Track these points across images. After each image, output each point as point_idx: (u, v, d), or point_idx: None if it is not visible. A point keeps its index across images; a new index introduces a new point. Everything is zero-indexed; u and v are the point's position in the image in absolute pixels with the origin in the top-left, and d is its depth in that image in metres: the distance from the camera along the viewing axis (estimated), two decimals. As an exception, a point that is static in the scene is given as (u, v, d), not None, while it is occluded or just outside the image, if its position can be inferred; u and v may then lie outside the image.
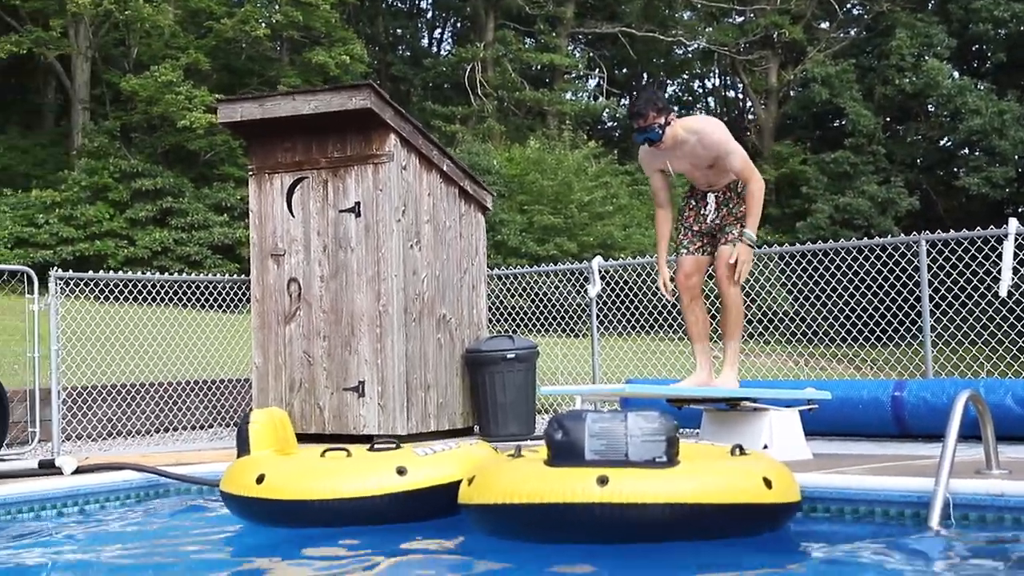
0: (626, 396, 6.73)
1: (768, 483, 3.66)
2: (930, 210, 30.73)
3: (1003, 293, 6.84)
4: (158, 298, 9.21)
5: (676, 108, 39.12)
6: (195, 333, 9.74)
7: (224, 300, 9.44)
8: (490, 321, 9.69)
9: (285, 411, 7.48)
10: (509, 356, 7.93)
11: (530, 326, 11.04)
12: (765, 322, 10.41)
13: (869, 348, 9.74)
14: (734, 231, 5.91)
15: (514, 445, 4.12)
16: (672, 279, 6.18)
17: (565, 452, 3.59)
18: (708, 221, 6.00)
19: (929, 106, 30.66)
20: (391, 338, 7.40)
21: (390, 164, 7.47)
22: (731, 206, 5.97)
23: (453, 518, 4.20)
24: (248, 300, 8.30)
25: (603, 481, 3.46)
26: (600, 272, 9.06)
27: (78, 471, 5.54)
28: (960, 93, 28.83)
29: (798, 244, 8.25)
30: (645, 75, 38.13)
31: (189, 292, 9.36)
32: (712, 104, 38.99)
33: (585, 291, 9.22)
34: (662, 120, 5.74)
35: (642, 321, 9.94)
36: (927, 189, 30.79)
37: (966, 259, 7.76)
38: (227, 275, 16.78)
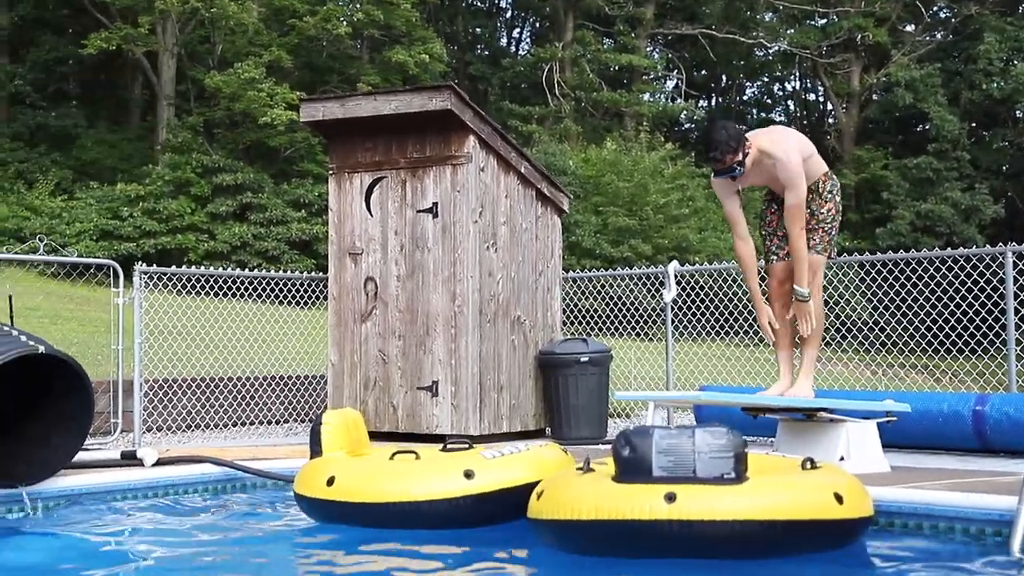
0: (700, 403, 6.69)
1: (839, 498, 3.61)
2: (1016, 218, 30.05)
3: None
4: (237, 292, 9.36)
5: (754, 112, 38.76)
6: (273, 329, 9.88)
7: (302, 296, 9.56)
8: (564, 323, 9.68)
9: (359, 410, 7.58)
10: (583, 359, 7.92)
11: (604, 329, 11.01)
12: (843, 331, 10.26)
13: (950, 360, 9.55)
14: (814, 238, 5.83)
15: (584, 456, 4.11)
16: (767, 300, 6.05)
17: (633, 468, 3.58)
18: None
19: (1017, 111, 30.02)
20: (466, 339, 7.44)
21: (468, 165, 7.50)
22: (813, 208, 5.87)
23: (522, 522, 4.20)
24: (325, 297, 8.39)
25: (671, 498, 3.44)
26: (676, 276, 9.00)
27: (159, 463, 5.66)
28: (1050, 99, 28.16)
29: (878, 253, 8.12)
30: (724, 77, 37.81)
31: (267, 287, 9.49)
32: (792, 107, 38.55)
33: (660, 295, 9.16)
34: (740, 157, 5.62)
35: (716, 327, 9.86)
36: (1013, 197, 30.12)
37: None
38: (304, 271, 17.00)
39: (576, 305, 10.99)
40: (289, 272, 10.79)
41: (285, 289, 9.53)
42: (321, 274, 9.44)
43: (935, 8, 33.60)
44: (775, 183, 5.83)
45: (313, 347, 10.27)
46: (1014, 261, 7.26)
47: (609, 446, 6.52)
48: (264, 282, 9.49)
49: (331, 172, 8.01)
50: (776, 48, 34.66)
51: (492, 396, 7.66)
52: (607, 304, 11.43)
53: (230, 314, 9.46)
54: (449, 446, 4.61)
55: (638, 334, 11.72)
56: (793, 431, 5.62)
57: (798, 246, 5.71)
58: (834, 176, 5.99)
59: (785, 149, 5.68)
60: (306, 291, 9.57)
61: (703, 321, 10.14)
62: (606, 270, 10.63)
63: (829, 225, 5.87)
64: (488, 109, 29.42)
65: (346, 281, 7.88)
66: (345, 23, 24.86)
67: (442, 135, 7.58)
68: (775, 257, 6.00)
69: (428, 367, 7.54)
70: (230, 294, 9.38)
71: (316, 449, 4.72)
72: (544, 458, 4.46)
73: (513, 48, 37.90)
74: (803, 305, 5.78)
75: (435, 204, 7.57)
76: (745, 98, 39.54)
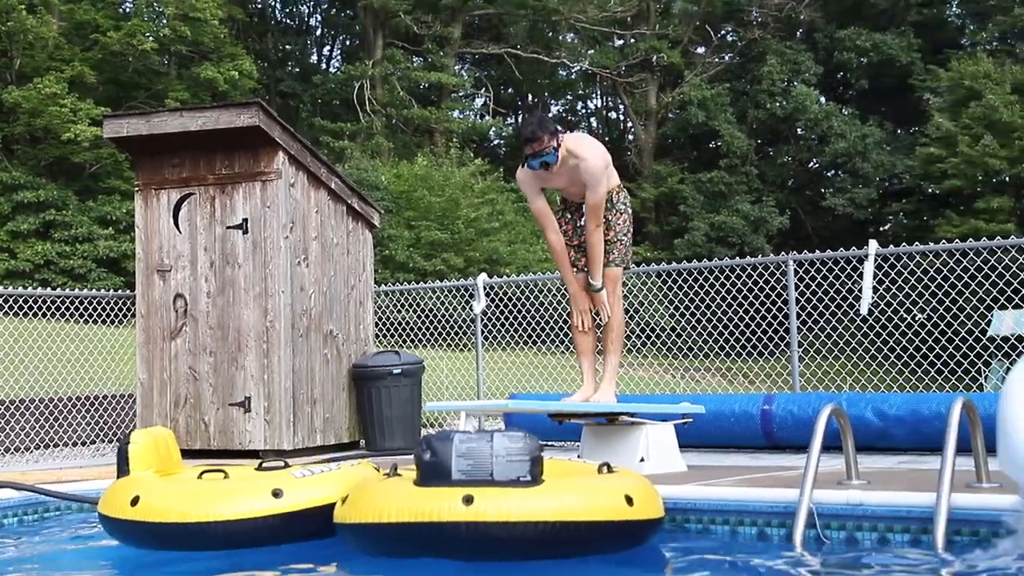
0: (509, 411, 6.77)
1: (629, 500, 3.71)
2: (799, 229, 31.67)
3: (864, 311, 7.08)
4: (41, 312, 8.93)
5: (560, 129, 39.48)
6: (79, 348, 9.47)
7: (109, 315, 9.20)
8: (377, 336, 9.65)
9: (169, 428, 7.35)
10: (395, 371, 7.91)
11: (417, 341, 11.02)
12: (644, 337, 10.58)
13: (741, 362, 9.98)
14: (613, 251, 5.97)
15: (391, 464, 4.12)
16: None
17: (433, 472, 3.61)
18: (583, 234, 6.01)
19: (798, 129, 31.61)
20: (278, 354, 7.32)
21: (278, 182, 7.39)
22: (609, 220, 5.97)
23: (332, 539, 4.16)
24: (134, 315, 8.11)
25: (468, 500, 3.48)
26: (485, 288, 9.09)
27: (-46, 491, 5.33)
28: (826, 117, 29.81)
29: (675, 263, 8.42)
30: (530, 95, 38.45)
31: (74, 306, 9.09)
32: (594, 124, 39.53)
33: (471, 307, 9.25)
34: (555, 143, 5.68)
35: (526, 336, 10.01)
36: (796, 208, 31.71)
37: (830, 278, 8.03)
38: (112, 289, 16.35)
39: (389, 318, 10.96)
40: (96, 290, 10.36)
41: (92, 308, 9.15)
42: (129, 292, 9.11)
43: (723, 32, 35.14)
44: (575, 185, 5.89)
45: (122, 366, 9.89)
46: (795, 269, 7.65)
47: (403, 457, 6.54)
48: (70, 301, 9.09)
49: (137, 189, 7.75)
50: (578, 68, 35.51)
51: (306, 410, 7.56)
52: (419, 316, 11.45)
53: (33, 334, 9.02)
54: (264, 465, 4.52)
55: (450, 345, 11.80)
56: (596, 435, 5.75)
57: (593, 241, 5.84)
58: (625, 189, 6.12)
59: (591, 150, 5.82)
60: (114, 309, 9.21)
61: (513, 331, 10.28)
62: (418, 283, 10.65)
63: (625, 236, 5.99)
64: (300, 125, 29.03)
65: (154, 298, 7.63)
66: (151, 39, 24.09)
67: (251, 151, 7.44)
68: (575, 268, 6.09)
69: (240, 383, 7.37)
70: (32, 314, 8.94)
71: (123, 469, 4.54)
72: (354, 477, 4.42)
73: (324, 65, 37.51)
74: (598, 296, 5.91)
75: (245, 220, 7.42)
76: (550, 115, 40.31)
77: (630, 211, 6.08)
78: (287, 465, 4.50)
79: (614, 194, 5.97)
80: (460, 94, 35.07)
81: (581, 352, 6.11)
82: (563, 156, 5.75)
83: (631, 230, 6.07)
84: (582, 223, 5.96)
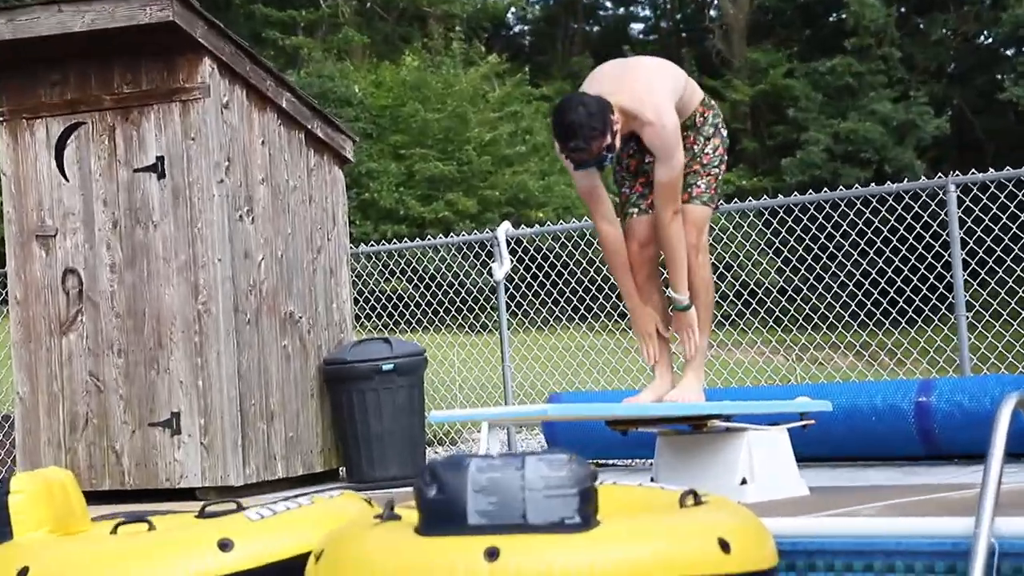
0: (549, 420, 6.80)
1: (725, 545, 3.71)
2: (966, 134, 31.50)
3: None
4: None
5: (607, 5, 39.32)
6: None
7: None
8: (358, 318, 9.70)
9: (65, 462, 7.43)
10: (385, 367, 7.95)
11: (415, 322, 11.07)
12: (740, 304, 10.56)
13: (883, 334, 9.96)
14: (698, 183, 5.95)
15: (386, 499, 4.14)
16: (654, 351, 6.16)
17: (442, 515, 3.60)
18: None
19: (961, -11, 31.37)
20: (216, 349, 7.37)
21: (205, 101, 7.42)
22: (694, 149, 5.98)
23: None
24: (3, 301, 8.19)
25: (493, 554, 3.49)
26: (510, 243, 9.12)
27: None
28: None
29: (783, 195, 8.40)
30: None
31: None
32: (660, -4, 39.33)
33: (490, 270, 9.28)
34: (608, 140, 5.61)
35: (569, 310, 10.05)
36: (960, 106, 31.51)
37: (1012, 207, 7.99)
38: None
39: (374, 291, 11.02)
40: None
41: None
42: (-2, 268, 9.19)
43: None
44: (641, 151, 5.94)
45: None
46: (959, 196, 7.61)
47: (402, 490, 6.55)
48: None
49: (1, 119, 7.79)
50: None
51: (259, 428, 7.62)
52: (418, 286, 11.50)
53: None
54: (208, 509, 4.56)
55: (462, 326, 11.85)
56: (677, 449, 5.77)
57: (669, 234, 5.84)
58: (715, 105, 6.14)
59: (656, 106, 5.74)
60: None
61: (551, 304, 10.31)
62: (413, 239, 10.68)
63: (716, 168, 5.99)
64: (232, 16, 29.02)
65: (34, 276, 7.69)
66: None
67: (164, 60, 7.45)
68: (635, 210, 6.05)
69: (164, 394, 7.44)
70: None
71: (3, 531, 4.59)
72: (334, 513, 4.46)
73: (265, -75, 37.45)
74: (684, 316, 5.95)
75: (160, 159, 7.46)
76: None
77: (724, 134, 6.07)
78: (240, 507, 4.55)
79: (698, 115, 6.01)
80: (464, -40, 34.91)
81: (646, 333, 6.13)
82: (621, 125, 5.72)
83: (725, 160, 6.06)
84: (649, 160, 5.95)
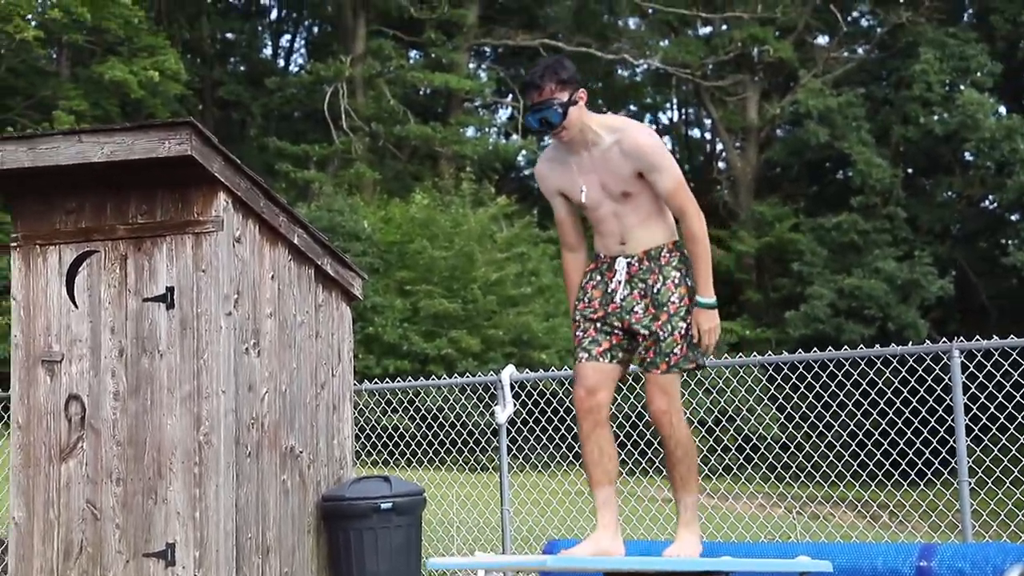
0: (547, 571, 6.74)
1: None
2: (969, 298, 31.59)
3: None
4: None
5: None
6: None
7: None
8: (358, 455, 9.67)
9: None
10: (384, 506, 7.93)
11: (414, 460, 11.04)
12: (740, 456, 10.54)
13: (885, 493, 9.93)
14: (675, 348, 5.86)
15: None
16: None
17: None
18: (617, 301, 5.96)
19: (966, 153, 31.64)
20: (215, 481, 7.34)
21: (218, 234, 7.47)
22: (652, 286, 5.91)
23: None
24: (5, 424, 8.18)
25: None
26: (513, 386, 9.12)
27: None
28: (1008, 136, 29.73)
29: (786, 351, 8.43)
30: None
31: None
32: (670, 145, 39.80)
33: (492, 413, 9.28)
34: (565, 97, 5.79)
35: (569, 455, 10.02)
36: (963, 267, 31.65)
37: (1016, 375, 8.00)
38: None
39: (374, 428, 11.00)
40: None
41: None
42: None
43: (855, 14, 35.37)
44: (614, 179, 5.86)
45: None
46: (963, 362, 7.63)
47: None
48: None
49: (15, 244, 7.84)
50: (645, 66, 35.82)
51: (255, 563, 7.57)
52: (418, 425, 11.48)
53: None
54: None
55: (462, 466, 11.81)
56: (676, 604, 5.73)
57: (694, 228, 5.86)
58: (684, 251, 6.03)
59: (635, 124, 5.96)
60: (-22, 415, 9.31)
61: (551, 447, 10.28)
62: (418, 377, 10.67)
63: (682, 320, 5.89)
64: (246, 149, 29.40)
65: (38, 401, 7.69)
66: (34, 24, 24.55)
67: (179, 192, 7.52)
68: (585, 355, 5.98)
69: (160, 524, 7.40)
70: None
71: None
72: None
73: (282, 63, 38.11)
74: (705, 313, 5.87)
75: (170, 289, 7.50)
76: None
77: (689, 283, 5.97)
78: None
79: (665, 249, 5.98)
80: (477, 104, 35.46)
81: (595, 481, 6.01)
82: (593, 133, 5.87)
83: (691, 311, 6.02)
84: (612, 287, 5.97)
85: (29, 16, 24.65)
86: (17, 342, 7.78)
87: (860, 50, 35.43)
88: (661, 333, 5.88)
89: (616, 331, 5.99)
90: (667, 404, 5.91)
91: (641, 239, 5.96)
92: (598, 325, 6.00)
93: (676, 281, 5.92)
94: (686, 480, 5.95)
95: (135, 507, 7.46)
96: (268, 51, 38.66)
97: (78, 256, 7.70)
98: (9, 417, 7.83)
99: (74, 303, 7.68)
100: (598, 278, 6.06)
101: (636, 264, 5.95)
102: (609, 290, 5.99)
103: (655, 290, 5.89)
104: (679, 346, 5.89)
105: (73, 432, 7.63)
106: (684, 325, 5.89)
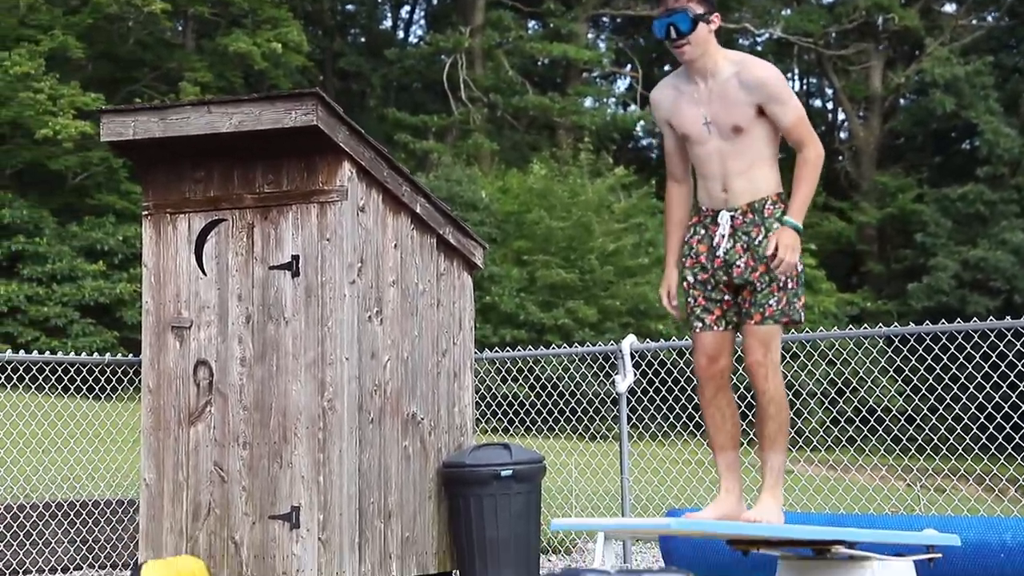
0: (669, 535, 6.76)
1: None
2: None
3: None
4: (2, 382, 9.25)
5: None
6: (57, 434, 9.77)
7: (101, 387, 9.48)
8: (478, 422, 9.75)
9: (186, 549, 7.53)
10: (504, 473, 7.97)
11: (534, 429, 11.10)
12: (864, 427, 10.44)
13: (1015, 466, 9.79)
14: (771, 299, 5.83)
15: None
16: (676, 303, 6.19)
17: (553, 625, 3.61)
18: (721, 255, 5.92)
19: (1096, 122, 30.99)
20: (339, 446, 7.44)
21: (342, 204, 7.56)
22: (754, 239, 5.87)
23: None
24: (136, 389, 8.34)
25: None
26: (633, 355, 9.13)
27: None
28: None
29: (911, 320, 8.34)
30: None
31: (50, 373, 9.40)
32: (790, 115, 39.39)
33: (612, 381, 9.29)
34: (700, 10, 5.83)
35: (691, 425, 10.01)
36: (1093, 239, 31.01)
37: None
38: (104, 352, 16.85)
39: (494, 395, 11.08)
40: (82, 353, 10.71)
41: (76, 376, 9.45)
42: (131, 356, 9.37)
43: (983, -20, 34.68)
44: (731, 112, 5.83)
45: (119, 460, 10.18)
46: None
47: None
48: (44, 366, 9.40)
49: (146, 212, 8.00)
50: (768, 35, 35.49)
51: (377, 527, 7.67)
52: (537, 393, 11.53)
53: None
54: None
55: (581, 434, 11.84)
56: (798, 573, 5.72)
57: (809, 155, 5.84)
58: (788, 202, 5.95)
59: (764, 62, 5.95)
60: (108, 380, 9.50)
61: (672, 416, 10.28)
62: (535, 346, 10.72)
63: (790, 279, 5.85)
64: (367, 119, 29.61)
65: (168, 366, 7.85)
66: (161, -3, 24.92)
67: (305, 161, 7.62)
68: (700, 324, 5.99)
69: (285, 487, 7.52)
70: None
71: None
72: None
73: (401, 34, 38.29)
74: (787, 233, 5.76)
75: (295, 258, 7.60)
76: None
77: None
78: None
79: (768, 201, 5.92)
80: (595, 74, 35.36)
81: (717, 446, 6.00)
82: (714, 62, 5.87)
83: (802, 269, 5.98)
84: (716, 242, 5.93)
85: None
86: (148, 308, 7.94)
87: (989, 17, 34.79)
88: (758, 284, 5.83)
89: (725, 295, 5.96)
90: (763, 356, 5.83)
91: (744, 190, 5.91)
92: (707, 290, 5.99)
93: (772, 236, 5.83)
94: (775, 439, 5.89)
95: (261, 470, 7.59)
96: (388, 22, 38.87)
97: (207, 224, 7.83)
98: (140, 381, 8.00)
99: (202, 270, 7.82)
100: (702, 232, 6.03)
101: (740, 217, 5.90)
102: (714, 243, 5.96)
103: (756, 242, 5.84)
104: (775, 297, 5.82)
105: (201, 396, 7.77)
106: (783, 278, 5.82)
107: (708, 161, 5.99)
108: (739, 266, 5.87)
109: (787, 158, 5.97)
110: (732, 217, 5.91)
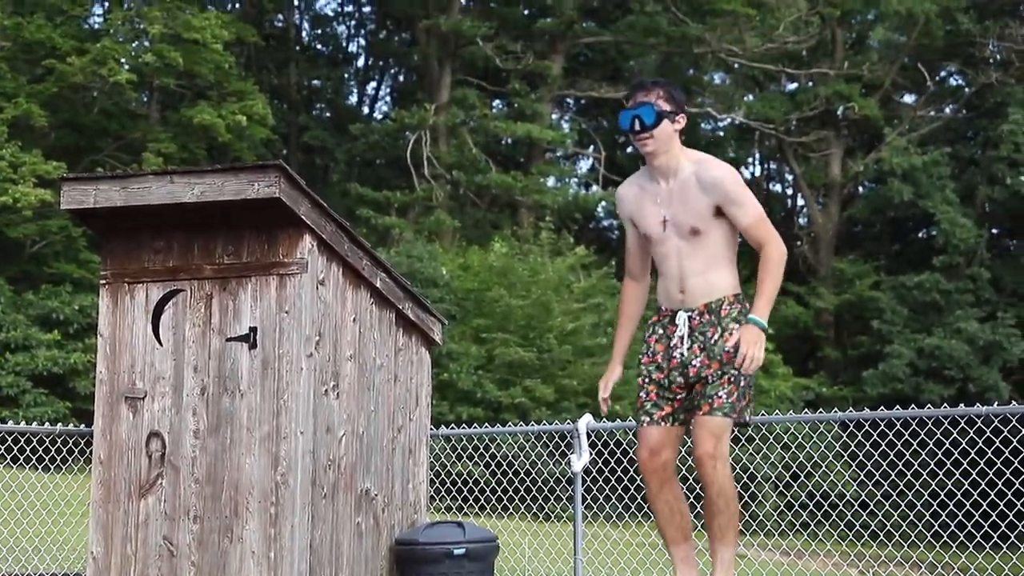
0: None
1: None
2: (1052, 360, 31.13)
3: None
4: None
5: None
6: (6, 504, 9.67)
7: (52, 458, 9.39)
8: (432, 499, 9.69)
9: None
10: (456, 552, 7.93)
11: (488, 507, 11.03)
12: (818, 513, 10.45)
13: (967, 555, 9.80)
14: (721, 391, 5.81)
15: None
16: (608, 398, 6.33)
17: None
18: (678, 357, 5.94)
19: (1052, 214, 31.32)
20: (291, 521, 7.38)
21: (302, 276, 7.54)
22: (710, 338, 5.88)
23: None
24: (87, 460, 8.26)
25: None
26: (589, 435, 9.11)
27: None
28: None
29: (866, 407, 8.37)
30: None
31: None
32: (750, 200, 39.67)
33: (568, 461, 9.26)
34: (667, 108, 5.89)
35: (644, 507, 9.98)
36: (1048, 330, 31.24)
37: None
38: (56, 420, 16.72)
39: (448, 473, 11.03)
40: (33, 422, 10.61)
41: (27, 447, 9.36)
42: (82, 426, 9.29)
43: (943, 73, 35.17)
44: (680, 227, 5.90)
45: (66, 532, 10.06)
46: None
47: None
48: (-2, 435, 9.31)
49: (104, 281, 7.95)
50: (730, 121, 35.80)
51: (327, 605, 7.60)
52: (492, 472, 11.49)
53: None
54: None
55: (536, 514, 11.80)
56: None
57: (772, 254, 5.85)
58: (747, 303, 5.99)
59: (716, 160, 6.00)
60: (59, 450, 9.41)
61: (626, 497, 10.25)
62: (492, 423, 10.69)
63: (737, 370, 5.82)
64: (330, 194, 29.67)
65: (120, 438, 7.77)
66: (127, 68, 24.96)
67: (266, 233, 7.60)
68: (647, 419, 6.00)
69: (235, 563, 7.44)
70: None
71: None
72: None
73: (366, 110, 38.48)
74: (752, 330, 5.74)
75: (253, 330, 7.57)
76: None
77: None
78: None
79: (725, 301, 5.94)
80: (559, 154, 35.57)
81: (671, 538, 5.98)
82: (675, 161, 5.93)
83: (754, 373, 5.95)
84: (673, 342, 5.94)
85: (122, 59, 25.06)
86: (102, 378, 7.87)
87: (947, 109, 35.23)
88: (710, 378, 5.84)
89: (678, 395, 5.97)
90: (713, 447, 5.79)
91: (701, 291, 5.94)
92: (661, 388, 6.00)
93: (734, 332, 5.85)
94: (724, 532, 5.87)
95: (211, 545, 7.51)
96: (354, 98, 39.07)
97: (165, 294, 7.79)
98: (91, 453, 7.92)
99: (159, 341, 7.77)
100: (660, 331, 6.06)
101: (696, 318, 5.93)
102: (670, 345, 5.97)
103: (712, 342, 5.86)
104: (724, 389, 5.81)
105: (153, 469, 7.70)
106: (735, 373, 5.81)
107: (667, 260, 6.03)
108: (695, 366, 5.88)
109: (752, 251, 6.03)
110: (689, 318, 5.93)
